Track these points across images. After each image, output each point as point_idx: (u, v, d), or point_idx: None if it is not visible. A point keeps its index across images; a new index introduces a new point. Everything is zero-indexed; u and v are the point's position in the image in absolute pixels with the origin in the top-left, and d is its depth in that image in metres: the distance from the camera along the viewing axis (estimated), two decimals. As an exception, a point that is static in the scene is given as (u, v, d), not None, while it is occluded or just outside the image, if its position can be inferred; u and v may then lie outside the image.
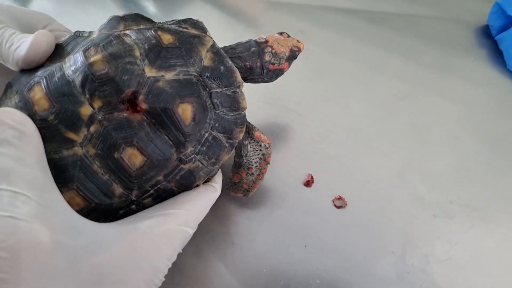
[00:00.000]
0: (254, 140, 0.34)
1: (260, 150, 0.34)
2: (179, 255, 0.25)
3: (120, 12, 0.55)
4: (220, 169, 0.31)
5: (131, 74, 0.23)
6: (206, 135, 0.26)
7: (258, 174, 0.34)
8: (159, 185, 0.25)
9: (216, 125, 0.27)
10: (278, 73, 0.35)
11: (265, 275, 0.33)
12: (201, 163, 0.27)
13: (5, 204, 0.18)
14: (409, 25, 0.51)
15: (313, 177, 0.38)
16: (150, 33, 0.25)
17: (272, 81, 0.36)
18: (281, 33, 0.36)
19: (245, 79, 0.33)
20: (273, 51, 0.34)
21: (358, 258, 0.35)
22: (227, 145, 0.28)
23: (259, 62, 0.33)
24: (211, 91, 0.27)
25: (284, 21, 0.52)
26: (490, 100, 0.44)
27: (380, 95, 0.45)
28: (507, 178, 0.39)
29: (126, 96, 0.23)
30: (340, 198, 0.37)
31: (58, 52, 0.25)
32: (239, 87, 0.29)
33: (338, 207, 0.37)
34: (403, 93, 0.45)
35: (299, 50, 0.36)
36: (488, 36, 0.50)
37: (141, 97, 0.23)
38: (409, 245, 0.35)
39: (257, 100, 0.44)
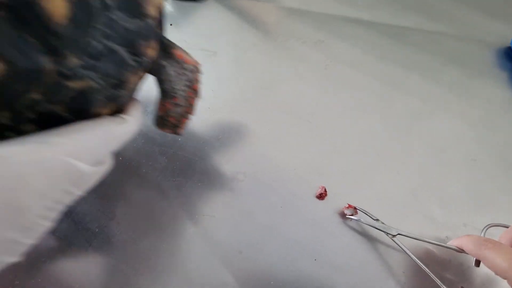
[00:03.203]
0: (176, 61, 0.27)
1: (185, 73, 0.28)
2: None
3: None
4: (138, 100, 0.26)
5: None
6: (96, 44, 0.20)
7: (187, 107, 0.29)
8: (39, 108, 0.20)
9: (112, 34, 0.21)
10: None
11: (272, 287, 0.33)
12: (96, 82, 0.21)
13: None
14: (430, 42, 0.51)
15: (326, 190, 0.38)
16: None
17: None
18: None
19: None
20: None
21: (367, 276, 0.34)
22: (132, 62, 0.22)
23: None
24: None
25: (303, 29, 0.52)
26: (509, 124, 0.43)
27: (397, 112, 0.44)
28: (523, 204, 0.38)
29: None
30: (349, 207, 0.36)
31: None
32: None
33: (350, 216, 0.36)
34: (421, 111, 0.44)
35: None
36: (510, 59, 0.49)
37: None
38: (419, 267, 0.34)
39: (271, 109, 0.43)
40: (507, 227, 0.34)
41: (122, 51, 0.21)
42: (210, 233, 0.36)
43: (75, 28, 0.19)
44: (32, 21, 0.17)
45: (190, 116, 0.30)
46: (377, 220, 0.35)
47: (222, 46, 0.47)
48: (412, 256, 0.33)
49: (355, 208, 0.36)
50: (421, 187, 0.39)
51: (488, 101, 0.45)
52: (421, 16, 0.53)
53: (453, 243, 0.33)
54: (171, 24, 0.53)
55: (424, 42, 0.51)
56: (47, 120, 0.20)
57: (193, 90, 0.28)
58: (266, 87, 0.43)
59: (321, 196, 0.37)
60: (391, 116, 0.44)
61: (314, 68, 0.48)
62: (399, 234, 0.34)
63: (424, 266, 0.32)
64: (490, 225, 0.35)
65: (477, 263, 0.32)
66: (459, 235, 0.34)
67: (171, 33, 0.52)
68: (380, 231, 0.35)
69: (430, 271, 0.32)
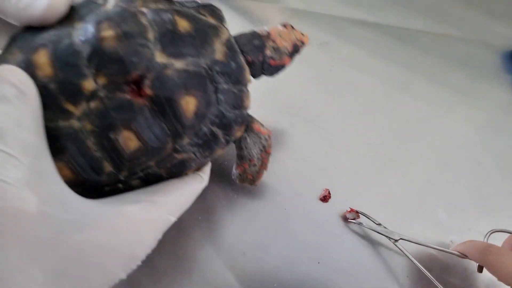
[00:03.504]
0: (254, 132, 0.32)
1: (260, 142, 0.32)
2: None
3: None
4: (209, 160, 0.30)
5: (141, 57, 0.23)
6: (205, 129, 0.26)
7: (261, 165, 0.33)
8: (149, 170, 0.25)
9: (217, 120, 0.26)
10: (280, 68, 0.34)
11: (275, 289, 0.33)
12: (195, 155, 0.26)
13: None
14: (436, 45, 0.50)
15: (330, 193, 0.37)
16: (167, 16, 0.24)
17: (272, 76, 0.35)
18: (284, 25, 0.34)
19: None
20: (275, 45, 0.32)
21: (371, 280, 0.34)
22: (223, 141, 0.28)
23: (261, 57, 0.31)
24: (217, 86, 0.26)
25: (309, 30, 0.51)
26: (515, 128, 0.43)
27: (403, 114, 0.44)
28: (529, 209, 0.38)
29: (132, 78, 0.23)
30: (351, 211, 0.36)
31: (70, 15, 0.24)
32: (246, 85, 0.28)
33: (351, 220, 0.36)
34: (426, 114, 0.44)
35: (303, 45, 0.34)
36: (516, 62, 0.49)
37: (146, 82, 0.23)
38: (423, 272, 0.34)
39: (276, 110, 0.43)
40: (511, 233, 0.34)
41: (219, 133, 0.27)
42: (214, 235, 0.36)
43: (196, 119, 0.25)
44: (170, 113, 0.24)
45: (264, 171, 0.34)
46: (379, 224, 0.35)
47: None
48: (414, 261, 0.33)
49: (357, 212, 0.36)
50: (426, 190, 0.39)
51: (493, 104, 0.45)
52: (427, 18, 0.53)
53: (456, 248, 0.33)
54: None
55: (430, 44, 0.50)
56: (150, 178, 0.26)
57: (266, 153, 0.33)
58: (270, 89, 0.43)
59: (325, 199, 0.37)
60: (396, 119, 0.44)
61: (319, 70, 0.48)
62: (401, 239, 0.34)
63: (426, 271, 0.32)
64: (493, 231, 0.35)
65: (480, 269, 0.32)
66: (464, 239, 0.34)
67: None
68: (383, 236, 0.35)
69: (433, 275, 0.32)
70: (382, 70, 0.48)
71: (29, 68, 0.22)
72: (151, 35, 0.23)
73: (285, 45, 0.32)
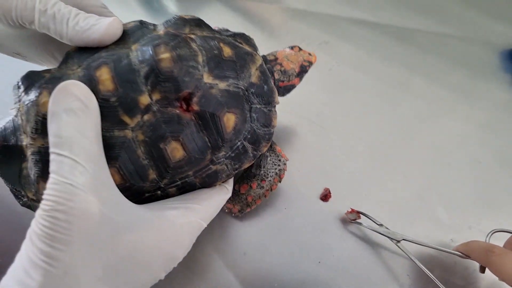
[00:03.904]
0: (275, 154, 0.35)
1: (278, 165, 0.35)
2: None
3: (140, 8, 0.55)
4: None
5: (192, 77, 0.26)
6: (239, 143, 0.29)
7: (267, 190, 0.35)
8: (186, 179, 0.28)
9: (249, 136, 0.29)
10: (290, 88, 0.36)
11: (276, 289, 0.33)
12: (227, 166, 0.29)
13: (66, 172, 0.20)
14: (435, 44, 0.50)
15: (331, 192, 0.37)
16: (213, 43, 0.28)
17: (284, 96, 0.37)
18: (292, 47, 0.36)
19: None
20: (282, 69, 0.35)
21: (371, 280, 0.34)
22: (251, 155, 0.30)
23: (272, 80, 0.33)
24: (252, 105, 0.29)
25: (308, 31, 0.52)
26: (515, 126, 0.43)
27: (403, 113, 0.44)
28: (529, 207, 0.38)
29: (182, 95, 0.25)
30: (352, 211, 0.36)
31: (123, 37, 0.27)
32: (274, 106, 0.32)
33: (352, 220, 0.36)
34: (426, 113, 0.44)
35: (310, 64, 0.37)
36: (515, 61, 0.49)
37: (195, 99, 0.26)
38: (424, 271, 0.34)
39: (277, 109, 0.43)
40: None
41: (249, 147, 0.30)
42: (215, 234, 0.36)
43: (234, 134, 0.28)
44: (212, 128, 0.27)
45: (262, 199, 0.36)
46: (381, 225, 0.35)
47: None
48: (417, 261, 0.32)
49: (358, 212, 0.36)
50: (426, 189, 0.39)
51: (493, 103, 0.45)
52: (426, 17, 0.53)
53: (459, 248, 0.33)
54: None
55: (429, 43, 0.50)
56: (185, 187, 0.28)
57: (279, 178, 0.35)
58: (270, 88, 0.43)
59: (326, 198, 0.37)
60: (396, 118, 0.44)
61: (319, 69, 0.47)
62: (404, 239, 0.34)
63: (428, 271, 0.32)
64: (494, 231, 0.34)
65: (482, 269, 0.32)
66: (465, 238, 0.34)
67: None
68: (384, 236, 0.35)
69: (435, 275, 0.32)
70: (381, 69, 0.48)
71: (92, 83, 0.24)
72: (200, 58, 0.27)
73: (292, 67, 0.35)
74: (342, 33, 0.51)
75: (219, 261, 0.35)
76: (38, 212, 0.20)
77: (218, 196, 0.30)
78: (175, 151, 0.26)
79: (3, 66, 0.46)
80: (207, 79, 0.27)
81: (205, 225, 0.28)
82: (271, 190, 0.35)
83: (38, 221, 0.20)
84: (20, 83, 0.27)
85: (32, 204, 0.27)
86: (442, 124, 0.43)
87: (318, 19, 0.53)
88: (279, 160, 0.35)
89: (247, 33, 0.32)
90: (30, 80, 0.26)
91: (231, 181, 0.32)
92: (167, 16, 0.54)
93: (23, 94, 0.26)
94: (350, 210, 0.36)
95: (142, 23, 0.29)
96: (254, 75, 0.30)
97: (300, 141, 0.42)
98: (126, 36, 0.27)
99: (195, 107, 0.26)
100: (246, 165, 0.31)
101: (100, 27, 0.26)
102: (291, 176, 0.38)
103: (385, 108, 0.44)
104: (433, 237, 0.36)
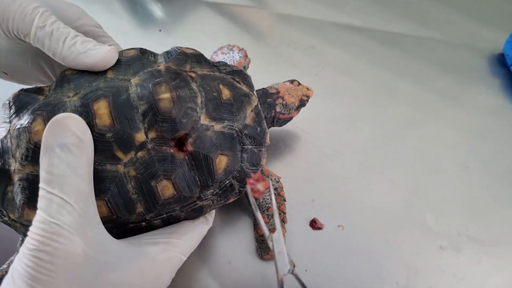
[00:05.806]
0: (264, 174, 0.36)
1: (272, 185, 0.34)
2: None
3: (125, 13, 0.55)
4: None
5: (189, 118, 0.26)
6: (227, 182, 0.29)
7: (280, 214, 0.34)
8: (172, 213, 0.28)
9: (237, 175, 0.30)
10: (288, 120, 0.37)
11: (261, 298, 0.32)
12: (213, 202, 0.30)
13: (54, 211, 0.20)
14: (422, 49, 0.50)
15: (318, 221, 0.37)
16: (213, 85, 0.29)
17: (281, 126, 0.38)
18: (291, 81, 0.38)
19: None
20: (284, 102, 0.36)
21: (360, 287, 0.33)
22: (237, 191, 0.31)
23: (272, 113, 0.35)
24: (243, 146, 0.30)
25: (295, 35, 0.52)
26: (502, 132, 0.43)
27: (389, 119, 0.44)
28: (517, 212, 0.38)
29: (178, 135, 0.26)
30: (314, 221, 0.36)
31: (122, 66, 0.28)
32: (265, 147, 0.32)
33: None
34: (413, 118, 0.44)
35: (308, 99, 0.38)
36: (502, 65, 0.49)
37: (190, 140, 0.26)
38: (413, 277, 0.33)
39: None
40: None
41: (236, 185, 0.30)
42: (199, 243, 0.35)
43: (224, 175, 0.28)
44: (204, 169, 0.27)
45: (286, 225, 0.35)
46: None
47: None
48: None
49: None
50: (415, 195, 0.38)
51: (481, 108, 0.45)
52: (414, 22, 0.53)
53: None
54: (160, 30, 0.53)
55: (416, 48, 0.50)
56: (170, 219, 0.28)
57: (280, 196, 0.35)
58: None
59: (314, 225, 0.36)
60: (383, 123, 0.43)
61: (306, 73, 0.47)
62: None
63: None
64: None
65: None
66: (454, 245, 0.34)
67: (161, 39, 0.52)
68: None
69: None
70: (369, 74, 0.48)
71: (88, 115, 0.24)
72: (199, 100, 0.27)
73: (293, 100, 0.36)
74: (329, 37, 0.51)
75: (204, 270, 0.34)
76: (22, 249, 0.20)
77: (199, 229, 0.30)
78: (165, 189, 0.26)
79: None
80: (204, 120, 0.27)
81: (185, 259, 0.28)
82: (283, 212, 0.35)
83: (21, 260, 0.19)
84: (11, 103, 0.26)
85: (13, 224, 0.27)
86: (430, 129, 0.43)
87: (305, 24, 0.53)
88: (270, 180, 0.35)
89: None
90: (22, 101, 0.26)
91: (212, 212, 0.32)
92: (152, 22, 0.54)
93: (14, 115, 0.26)
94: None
95: (142, 52, 0.29)
96: (249, 116, 0.30)
97: (286, 147, 0.41)
98: (126, 66, 0.28)
99: (190, 148, 0.26)
100: (231, 200, 0.31)
101: (96, 54, 0.26)
102: (277, 182, 0.38)
103: (372, 113, 0.44)
104: (422, 244, 0.35)
